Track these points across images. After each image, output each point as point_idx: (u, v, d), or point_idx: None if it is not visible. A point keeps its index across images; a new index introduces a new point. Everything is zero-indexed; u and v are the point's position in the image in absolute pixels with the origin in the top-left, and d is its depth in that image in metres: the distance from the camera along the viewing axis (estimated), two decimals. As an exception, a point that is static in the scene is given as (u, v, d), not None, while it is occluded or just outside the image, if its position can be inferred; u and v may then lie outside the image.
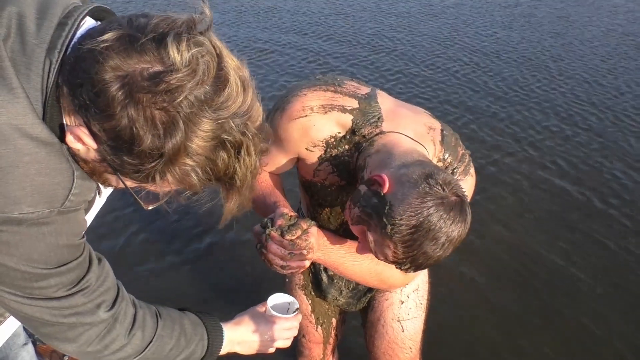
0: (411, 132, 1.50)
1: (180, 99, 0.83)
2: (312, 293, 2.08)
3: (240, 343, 1.36)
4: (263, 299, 1.43)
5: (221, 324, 1.31)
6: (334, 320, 2.18)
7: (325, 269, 1.96)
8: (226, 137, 0.88)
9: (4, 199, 0.86)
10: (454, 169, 1.57)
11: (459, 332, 2.87)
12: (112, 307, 1.08)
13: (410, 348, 2.01)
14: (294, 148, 1.59)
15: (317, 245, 1.47)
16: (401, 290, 1.94)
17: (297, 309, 1.43)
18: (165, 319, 1.20)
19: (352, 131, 1.52)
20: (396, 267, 1.38)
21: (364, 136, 1.51)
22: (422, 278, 1.97)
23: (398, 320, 1.97)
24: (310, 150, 1.57)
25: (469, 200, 1.38)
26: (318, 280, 2.00)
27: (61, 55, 0.88)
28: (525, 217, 3.79)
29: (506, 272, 3.31)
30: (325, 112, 1.52)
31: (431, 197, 1.29)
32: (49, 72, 0.88)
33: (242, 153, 0.91)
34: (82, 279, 1.01)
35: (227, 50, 0.91)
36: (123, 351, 1.13)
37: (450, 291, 3.06)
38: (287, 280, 2.12)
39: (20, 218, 0.88)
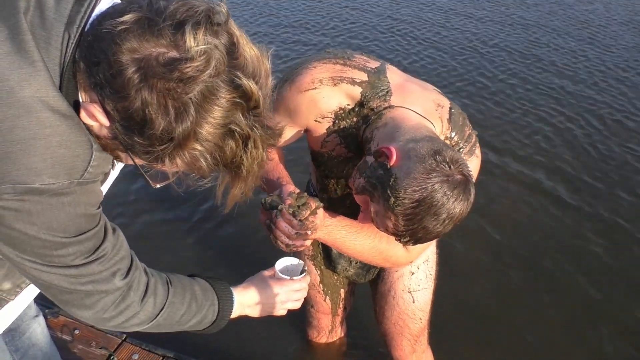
0: (419, 108, 1.51)
1: (193, 88, 0.85)
2: (321, 264, 2.09)
3: (250, 306, 1.39)
4: (271, 264, 1.46)
5: (231, 288, 1.34)
6: (342, 292, 2.21)
7: None
8: (234, 127, 0.90)
9: (26, 170, 0.89)
10: (460, 148, 1.58)
11: (463, 304, 2.90)
12: (126, 276, 1.11)
13: (420, 319, 2.03)
14: (302, 120, 1.60)
15: (320, 226, 1.50)
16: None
17: (305, 270, 1.46)
18: (176, 285, 1.23)
19: (361, 104, 1.54)
20: (395, 239, 1.41)
21: (372, 109, 1.53)
22: (431, 249, 1.98)
23: (409, 292, 1.98)
24: (319, 122, 1.59)
25: (473, 180, 1.40)
26: (328, 251, 2.02)
27: (79, 31, 0.90)
28: (534, 194, 3.80)
29: (513, 248, 3.33)
30: (335, 84, 1.54)
31: (437, 174, 1.30)
32: (67, 47, 0.90)
33: (250, 145, 0.93)
34: (99, 247, 1.04)
35: (247, 39, 0.92)
36: (136, 318, 1.16)
37: (457, 265, 3.09)
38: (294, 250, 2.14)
39: (42, 188, 0.91)
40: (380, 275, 2.04)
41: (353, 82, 1.54)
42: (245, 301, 1.37)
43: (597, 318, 2.89)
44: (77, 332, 2.24)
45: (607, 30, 6.94)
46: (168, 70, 0.84)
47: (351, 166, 1.63)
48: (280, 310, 1.44)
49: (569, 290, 3.05)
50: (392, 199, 1.32)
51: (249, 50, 0.91)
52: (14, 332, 1.71)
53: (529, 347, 2.73)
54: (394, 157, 1.35)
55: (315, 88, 1.55)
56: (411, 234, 1.36)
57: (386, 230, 1.39)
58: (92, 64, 0.87)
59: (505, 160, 4.13)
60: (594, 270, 3.19)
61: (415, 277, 1.98)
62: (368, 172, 1.40)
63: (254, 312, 1.41)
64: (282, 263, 1.47)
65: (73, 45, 0.90)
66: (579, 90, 5.25)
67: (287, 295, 1.42)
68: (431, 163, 1.31)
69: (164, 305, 1.19)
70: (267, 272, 1.44)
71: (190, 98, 0.85)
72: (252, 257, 3.09)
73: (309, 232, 1.44)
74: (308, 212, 1.43)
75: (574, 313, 2.92)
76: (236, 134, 0.91)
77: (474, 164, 1.58)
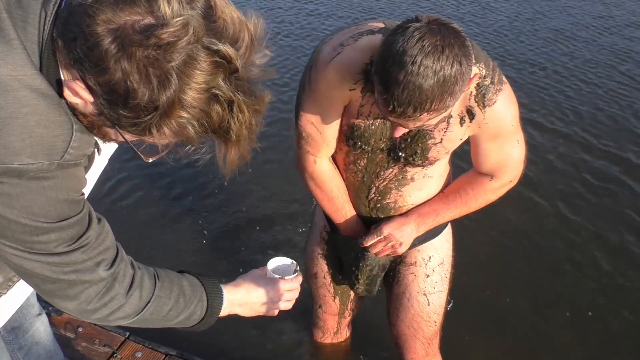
0: None
1: (172, 53, 0.84)
2: (334, 264, 2.08)
3: (241, 305, 1.36)
4: (263, 263, 1.44)
5: (221, 285, 1.31)
6: (351, 293, 2.19)
7: (345, 261, 1.98)
8: (217, 91, 0.89)
9: (4, 150, 0.88)
10: (491, 80, 1.53)
11: (463, 298, 2.87)
12: (111, 267, 1.10)
13: (435, 322, 2.03)
14: (341, 93, 1.59)
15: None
16: (426, 264, 1.95)
17: (297, 270, 1.44)
18: (164, 280, 1.21)
19: None
20: (393, 117, 1.37)
21: None
22: (445, 252, 1.99)
23: (424, 294, 1.97)
24: (353, 89, 1.56)
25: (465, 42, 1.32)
26: (341, 265, 2.02)
27: (55, 8, 0.90)
28: (546, 190, 3.77)
29: (520, 244, 3.32)
30: (356, 40, 1.53)
31: (401, 27, 1.30)
32: (44, 25, 0.90)
33: (235, 109, 0.92)
34: (82, 235, 1.03)
35: (227, 2, 0.91)
36: (121, 311, 1.15)
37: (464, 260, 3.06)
38: (308, 249, 2.15)
39: (21, 169, 0.90)
40: (395, 277, 2.03)
41: (372, 31, 1.54)
42: (236, 299, 1.34)
43: (603, 318, 2.87)
44: (80, 329, 2.25)
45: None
46: (145, 37, 0.83)
47: (388, 128, 1.61)
48: (272, 310, 1.41)
49: (572, 286, 3.04)
50: (372, 70, 1.34)
51: (228, 12, 0.90)
52: (17, 330, 1.72)
53: (531, 344, 2.72)
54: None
55: (338, 53, 1.54)
56: (391, 96, 1.31)
57: (387, 110, 1.36)
58: (69, 39, 0.87)
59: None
60: (599, 267, 3.17)
61: (430, 280, 1.97)
62: None
63: (244, 310, 1.38)
64: (274, 262, 1.44)
65: (50, 22, 0.90)
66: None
67: (279, 295, 1.39)
68: (402, 25, 1.32)
69: (150, 299, 1.17)
70: (259, 271, 1.42)
71: (171, 64, 0.84)
72: (243, 256, 3.11)
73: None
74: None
75: (578, 310, 2.91)
76: (220, 98, 0.90)
77: (507, 91, 1.57)
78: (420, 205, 1.82)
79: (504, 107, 1.58)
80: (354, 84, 1.55)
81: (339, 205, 1.84)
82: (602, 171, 3.98)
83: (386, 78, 1.30)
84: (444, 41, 1.26)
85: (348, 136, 1.69)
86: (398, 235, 1.80)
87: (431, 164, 1.70)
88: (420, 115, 1.33)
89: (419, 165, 1.70)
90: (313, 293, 2.22)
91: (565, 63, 5.60)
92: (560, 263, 3.20)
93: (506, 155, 1.69)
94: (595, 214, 3.58)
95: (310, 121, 1.67)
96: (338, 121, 1.67)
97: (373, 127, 1.63)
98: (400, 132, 1.48)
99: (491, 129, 1.61)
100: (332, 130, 1.68)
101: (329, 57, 1.55)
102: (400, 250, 1.85)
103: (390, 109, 1.34)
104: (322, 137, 1.69)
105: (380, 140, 1.65)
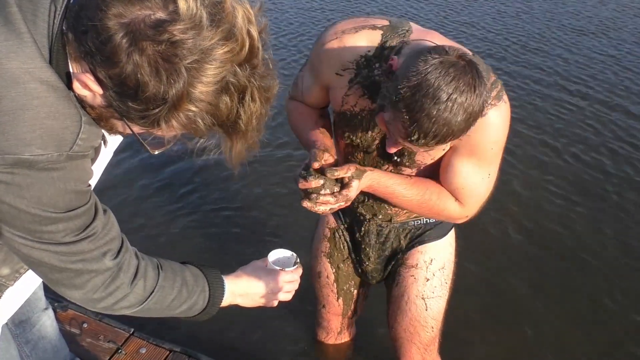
0: (439, 42, 1.49)
1: (183, 50, 0.85)
2: (338, 262, 2.08)
3: (241, 295, 1.38)
4: (264, 254, 1.46)
5: (222, 276, 1.34)
6: (355, 293, 2.19)
7: (358, 234, 1.98)
8: (231, 79, 0.91)
9: (15, 141, 0.91)
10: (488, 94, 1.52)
11: (466, 302, 2.86)
12: (117, 256, 1.13)
13: (432, 327, 2.01)
14: (325, 75, 1.65)
15: (356, 192, 1.58)
16: (427, 267, 1.94)
17: (297, 262, 1.46)
18: (167, 270, 1.24)
19: (382, 46, 1.55)
20: (408, 142, 1.38)
21: (391, 47, 1.54)
22: (447, 257, 1.97)
23: (422, 298, 1.96)
24: (340, 75, 1.61)
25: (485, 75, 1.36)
26: (354, 237, 2.01)
27: (65, 2, 0.92)
28: (551, 185, 3.78)
29: (518, 244, 3.32)
30: (356, 32, 1.58)
31: (432, 58, 1.31)
32: (54, 19, 0.92)
33: (247, 98, 0.94)
34: (89, 225, 1.06)
35: None
36: (126, 300, 1.17)
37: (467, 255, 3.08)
38: (312, 247, 2.14)
39: (31, 160, 0.93)
40: (394, 279, 2.02)
41: (374, 27, 1.58)
42: (237, 290, 1.37)
43: (606, 316, 2.87)
44: (85, 325, 2.27)
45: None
46: (157, 33, 0.84)
47: (375, 122, 1.62)
48: (272, 302, 1.44)
49: (576, 287, 3.04)
50: (394, 96, 1.33)
51: (239, 8, 0.91)
52: (24, 324, 1.75)
53: (535, 346, 2.71)
54: (395, 63, 1.39)
55: (337, 38, 1.60)
56: (418, 127, 1.32)
57: (400, 135, 1.38)
58: (80, 33, 0.89)
59: (524, 150, 4.03)
60: (605, 264, 3.17)
61: (430, 284, 1.95)
62: (381, 90, 1.44)
63: (245, 301, 1.41)
64: (275, 254, 1.47)
65: (60, 16, 0.92)
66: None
67: (279, 287, 1.41)
68: (427, 52, 1.33)
69: (154, 288, 1.20)
70: (259, 263, 1.44)
71: (181, 59, 0.86)
72: (244, 247, 3.12)
73: (344, 203, 1.56)
74: (345, 189, 1.55)
75: (582, 311, 2.91)
76: (232, 87, 0.91)
77: (503, 110, 1.55)
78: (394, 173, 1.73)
79: (491, 124, 1.53)
80: (343, 70, 1.60)
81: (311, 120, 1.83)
82: (607, 167, 3.99)
83: (416, 109, 1.31)
84: (475, 81, 1.31)
85: (337, 124, 1.74)
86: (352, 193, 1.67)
87: (418, 168, 1.71)
88: (437, 145, 1.38)
89: (408, 167, 1.71)
90: (317, 293, 2.22)
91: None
92: (565, 260, 3.21)
93: (472, 185, 1.65)
94: (601, 209, 3.59)
95: (302, 76, 1.79)
96: (320, 94, 1.74)
97: (358, 117, 1.66)
98: (394, 149, 1.51)
99: (470, 142, 1.56)
100: (311, 96, 1.77)
101: (328, 40, 1.62)
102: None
103: (410, 138, 1.36)
104: (303, 95, 1.79)
105: (367, 132, 1.67)
